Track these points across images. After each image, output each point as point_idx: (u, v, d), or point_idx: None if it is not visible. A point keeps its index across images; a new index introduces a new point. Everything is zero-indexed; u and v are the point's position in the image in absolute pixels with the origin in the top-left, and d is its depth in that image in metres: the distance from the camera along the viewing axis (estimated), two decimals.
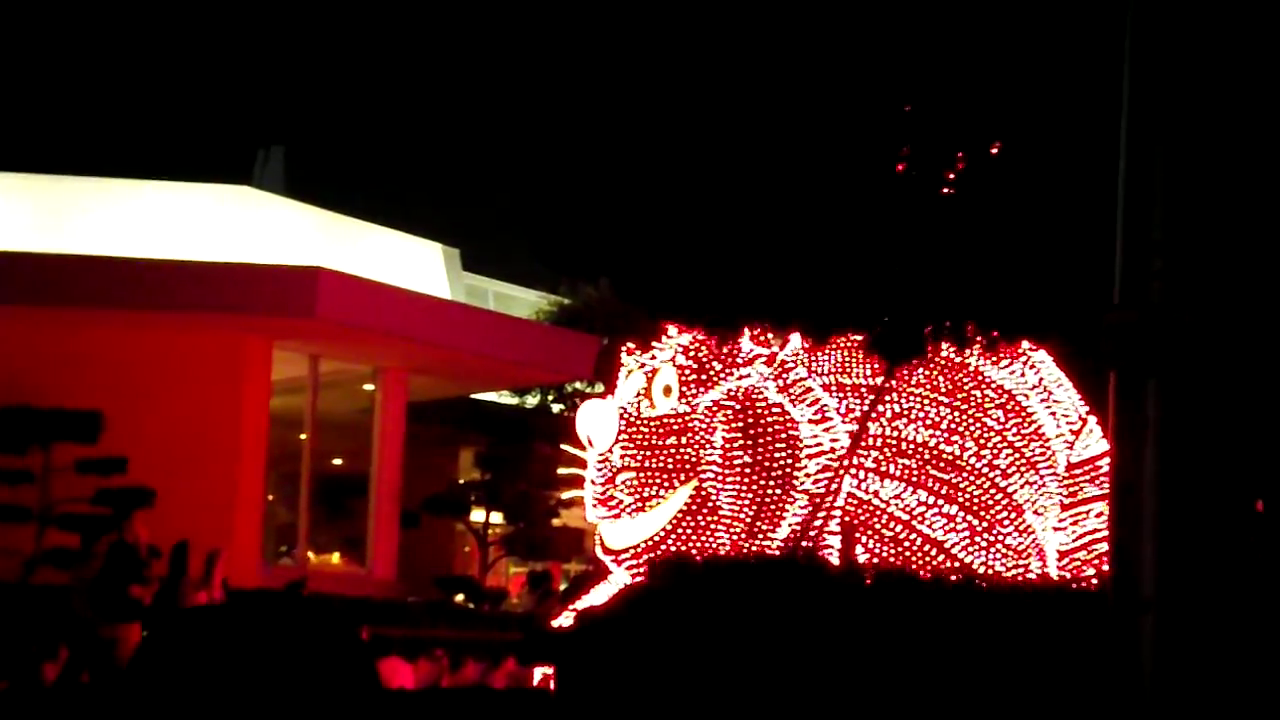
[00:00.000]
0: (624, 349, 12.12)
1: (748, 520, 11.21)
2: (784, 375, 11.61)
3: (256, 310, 25.16)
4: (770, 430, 11.31)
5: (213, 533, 21.14)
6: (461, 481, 32.75)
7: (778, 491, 11.21)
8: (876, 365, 11.85)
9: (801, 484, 11.35)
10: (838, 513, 11.37)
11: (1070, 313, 9.86)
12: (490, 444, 31.16)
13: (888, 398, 11.90)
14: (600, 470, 11.39)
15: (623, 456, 11.36)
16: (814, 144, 10.19)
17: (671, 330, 11.86)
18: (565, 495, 11.75)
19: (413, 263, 29.09)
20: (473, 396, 33.95)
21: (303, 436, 28.06)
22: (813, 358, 12.07)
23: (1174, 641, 5.64)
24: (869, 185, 10.21)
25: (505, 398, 35.51)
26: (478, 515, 31.01)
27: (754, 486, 11.24)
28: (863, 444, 11.71)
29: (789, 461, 11.30)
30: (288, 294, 25.17)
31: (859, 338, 11.53)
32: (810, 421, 11.53)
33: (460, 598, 28.77)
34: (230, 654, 9.29)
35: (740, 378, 11.56)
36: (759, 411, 11.37)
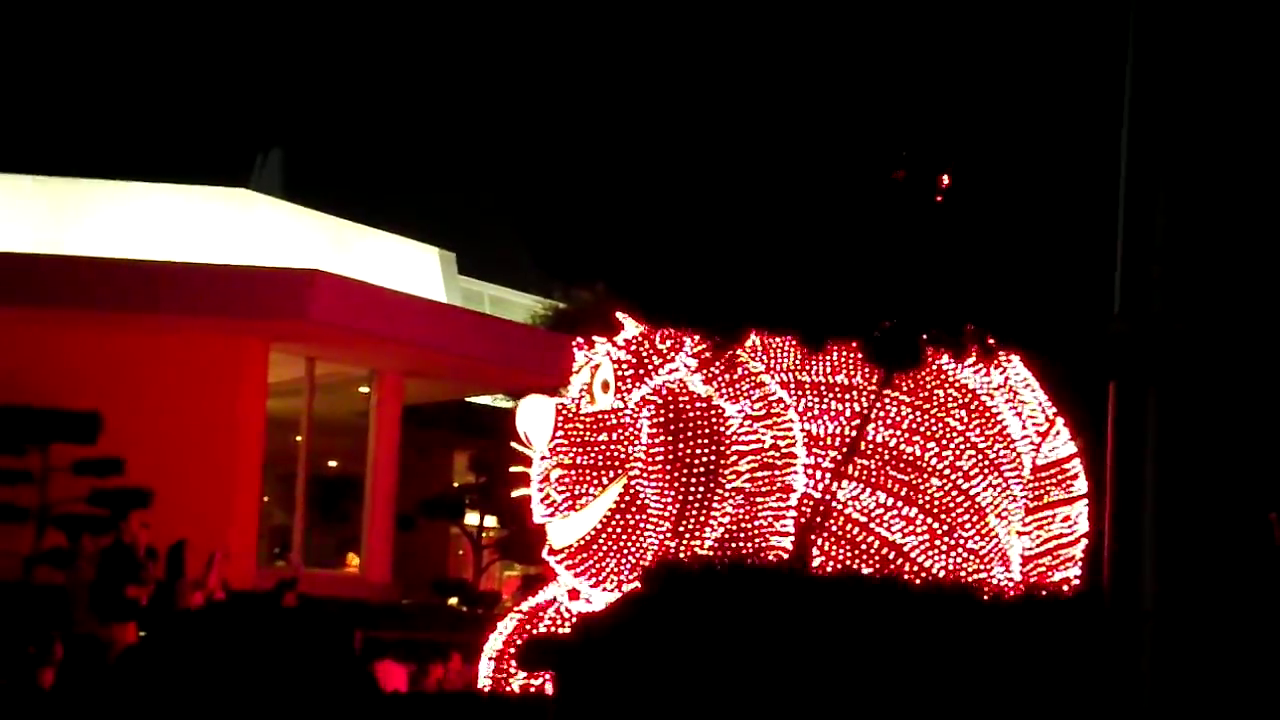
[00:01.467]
0: (574, 344, 11.69)
1: (672, 520, 10.68)
2: (716, 368, 11.06)
3: (253, 313, 25.22)
4: (692, 426, 10.74)
5: (209, 534, 21.20)
6: (456, 485, 32.79)
7: (701, 490, 10.65)
8: (838, 360, 11.45)
9: (731, 482, 10.75)
10: (793, 514, 10.93)
11: (1064, 322, 9.90)
12: (485, 447, 31.22)
13: (847, 396, 11.44)
14: (541, 469, 11.02)
15: (555, 453, 10.92)
16: (812, 150, 10.24)
17: (628, 324, 11.49)
18: (515, 494, 11.11)
19: (409, 266, 29.16)
20: (468, 400, 34.01)
21: (299, 439, 28.11)
22: (769, 354, 11.57)
23: (1173, 650, 5.69)
24: (866, 192, 10.26)
25: (500, 401, 35.59)
26: (472, 518, 31.06)
27: (676, 484, 10.66)
28: (822, 444, 11.24)
29: (712, 458, 10.73)
30: (284, 296, 25.23)
31: (853, 344, 11.47)
32: (750, 417, 10.93)
33: (454, 601, 28.81)
34: (215, 657, 9.43)
35: (669, 372, 11.06)
36: (681, 406, 10.80)
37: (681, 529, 10.61)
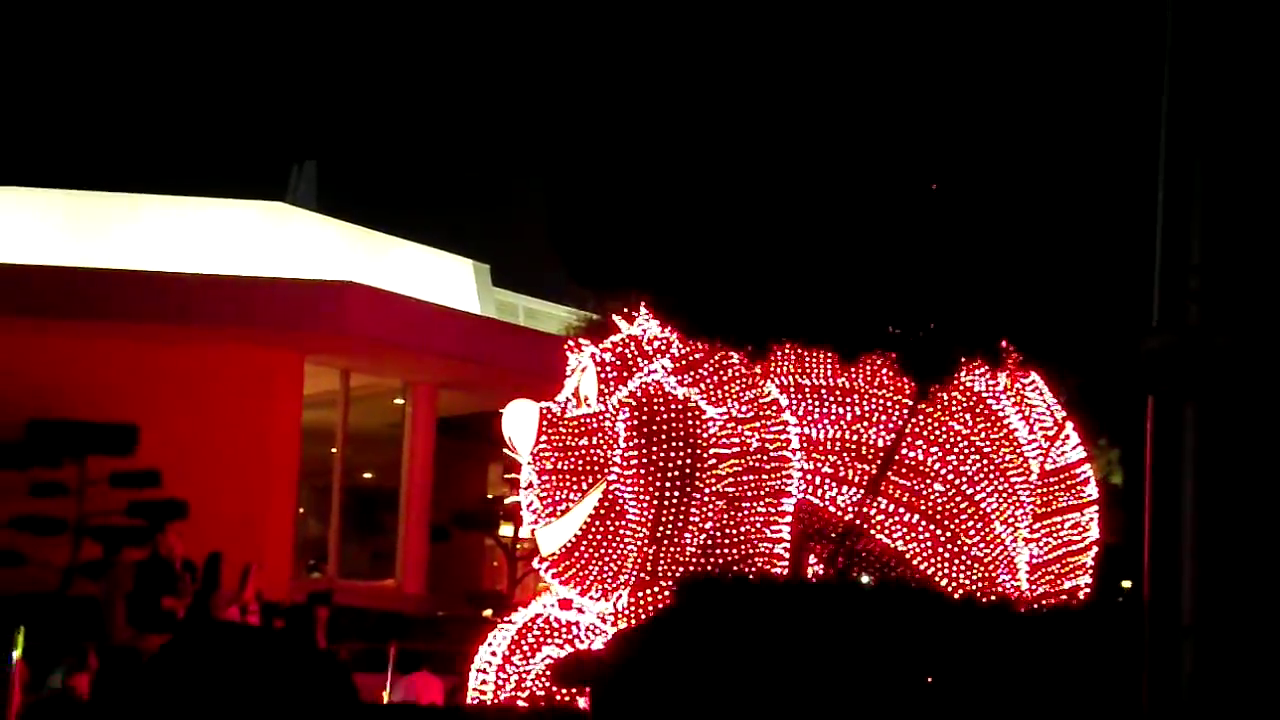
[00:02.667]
0: (566, 346, 11.46)
1: (650, 524, 10.38)
2: (704, 370, 10.78)
3: (288, 325, 25.30)
4: (666, 428, 10.41)
5: (244, 546, 21.24)
6: (490, 496, 32.79)
7: (676, 494, 10.32)
8: (836, 365, 11.26)
9: (710, 486, 10.43)
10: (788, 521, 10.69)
11: (1096, 337, 9.82)
12: None
13: (848, 400, 11.29)
14: (526, 475, 10.77)
15: (537, 459, 10.66)
16: (846, 165, 10.23)
17: (621, 325, 11.21)
18: (507, 501, 10.75)
19: (443, 278, 29.20)
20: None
21: (334, 450, 28.16)
22: (769, 357, 11.33)
23: (1212, 665, 5.65)
24: (897, 207, 10.25)
25: None
26: (506, 530, 31.05)
27: (651, 489, 10.35)
28: (821, 449, 11.12)
29: (688, 462, 10.39)
30: (320, 309, 25.31)
31: (888, 357, 11.40)
32: (735, 419, 10.62)
33: (489, 612, 28.79)
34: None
35: (648, 373, 10.75)
36: (655, 408, 10.47)
37: (659, 535, 10.34)
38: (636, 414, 10.47)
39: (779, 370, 11.28)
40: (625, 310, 11.26)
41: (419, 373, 27.60)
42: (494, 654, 10.74)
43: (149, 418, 23.17)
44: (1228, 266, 5.94)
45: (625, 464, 10.45)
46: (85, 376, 24.20)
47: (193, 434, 24.44)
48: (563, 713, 10.22)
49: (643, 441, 10.40)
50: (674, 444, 10.40)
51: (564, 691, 9.95)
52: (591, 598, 10.57)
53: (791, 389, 11.26)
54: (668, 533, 10.37)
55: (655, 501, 10.36)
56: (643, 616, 10.13)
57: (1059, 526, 11.78)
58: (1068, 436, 11.95)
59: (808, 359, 11.36)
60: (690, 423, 10.50)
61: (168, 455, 22.85)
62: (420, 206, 33.55)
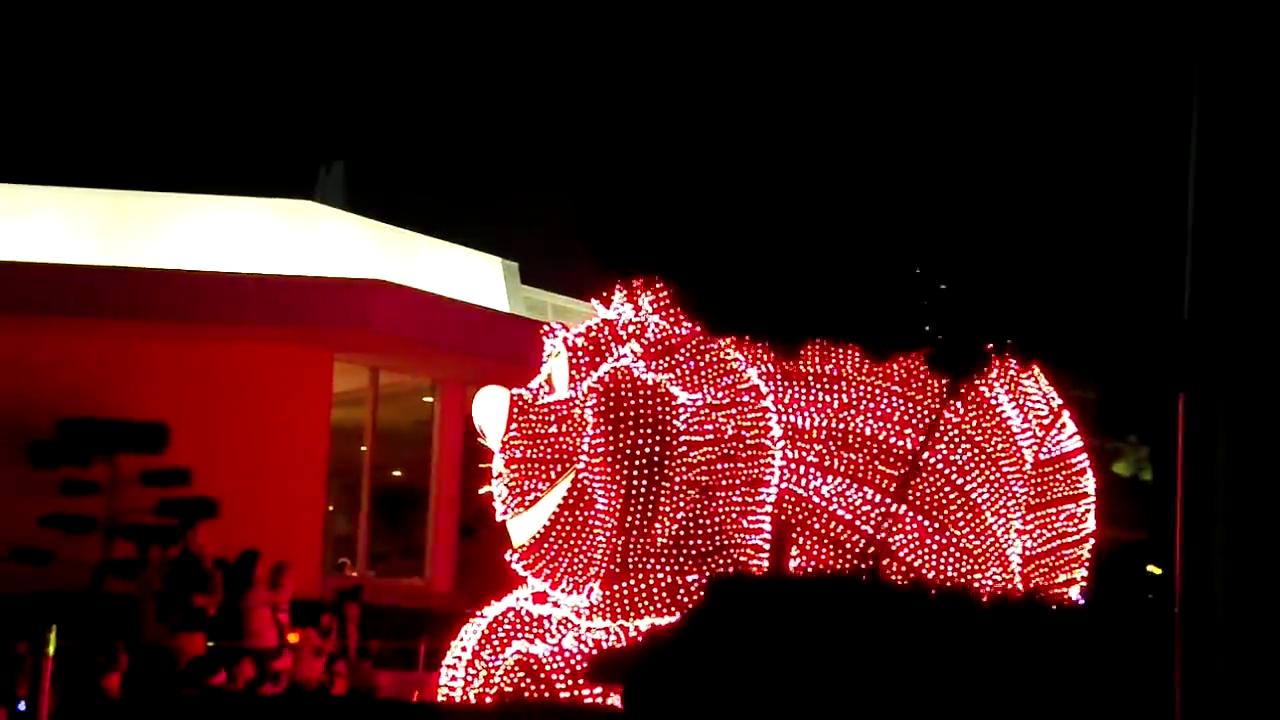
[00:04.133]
0: (542, 332, 11.05)
1: (618, 515, 9.96)
2: (679, 356, 10.39)
3: (318, 323, 25.35)
4: (634, 415, 9.98)
5: (274, 543, 21.28)
6: None
7: (644, 483, 9.88)
8: (821, 354, 10.94)
9: (681, 474, 10.01)
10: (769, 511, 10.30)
11: (1126, 333, 9.76)
12: None
13: (834, 387, 10.95)
14: (496, 463, 10.41)
15: (508, 447, 10.29)
16: (871, 162, 10.21)
17: (599, 309, 10.84)
18: (481, 491, 10.07)
19: (472, 276, 29.23)
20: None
21: (363, 448, 28.22)
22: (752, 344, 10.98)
23: (1245, 664, 5.61)
24: (924, 204, 10.22)
25: None
26: None
27: (619, 477, 9.91)
28: (807, 437, 10.77)
29: (658, 449, 9.95)
30: (348, 307, 25.36)
31: (918, 354, 11.33)
32: (709, 406, 10.19)
33: None
34: None
35: (617, 358, 10.33)
36: (623, 394, 10.04)
37: (627, 525, 9.94)
38: (604, 400, 10.10)
39: (763, 357, 10.94)
40: (601, 294, 10.97)
41: (448, 370, 27.63)
42: (464, 649, 10.41)
43: (179, 416, 23.28)
44: (1262, 262, 5.88)
45: (593, 452, 10.07)
46: (116, 375, 24.30)
47: (222, 432, 24.52)
48: (601, 711, 10.01)
49: (610, 428, 10.03)
50: (642, 431, 10.01)
51: (532, 689, 9.53)
52: (563, 590, 10.24)
53: (778, 376, 10.92)
54: (637, 523, 9.97)
55: (623, 491, 9.96)
56: (621, 610, 9.88)
57: (1054, 518, 11.45)
58: (1064, 425, 11.63)
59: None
60: (660, 409, 10.09)
61: (198, 453, 22.96)
62: (448, 204, 33.58)
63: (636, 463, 9.96)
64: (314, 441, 26.09)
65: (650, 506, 9.97)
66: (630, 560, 10.00)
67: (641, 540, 9.98)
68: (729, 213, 10.74)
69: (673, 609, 9.88)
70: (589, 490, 10.11)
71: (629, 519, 9.97)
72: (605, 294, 10.90)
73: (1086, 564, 11.62)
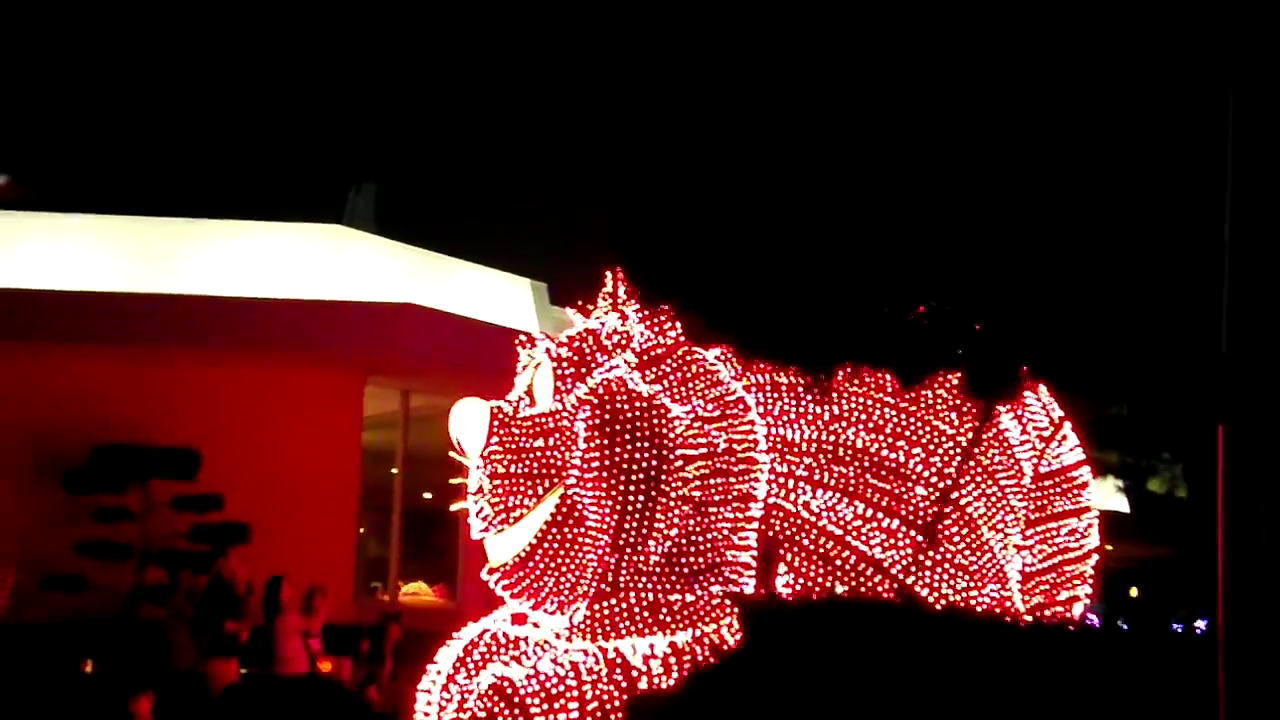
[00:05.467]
0: (517, 341, 10.61)
1: (612, 531, 9.46)
2: (676, 364, 10.00)
3: (348, 347, 25.41)
4: (629, 427, 9.53)
5: (306, 568, 21.33)
6: None
7: (641, 499, 9.43)
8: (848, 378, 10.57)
9: (677, 490, 9.59)
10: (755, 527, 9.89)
11: (1163, 357, 9.71)
12: None
13: (826, 398, 10.56)
14: (475, 478, 9.87)
15: (488, 462, 9.73)
16: (907, 190, 10.20)
17: (576, 319, 10.44)
18: (454, 508, 9.44)
19: (502, 298, 29.26)
20: None
21: (394, 471, 28.24)
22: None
23: None
24: (962, 230, 10.20)
25: None
26: None
27: (613, 493, 9.46)
28: (796, 450, 10.37)
29: (653, 463, 9.52)
30: (379, 331, 25.41)
31: (954, 378, 11.24)
32: (701, 418, 9.80)
33: None
34: None
35: (609, 369, 9.87)
36: (618, 406, 9.60)
37: (621, 542, 9.50)
38: (598, 412, 9.62)
39: (755, 366, 10.61)
40: (584, 305, 10.68)
41: (479, 393, 27.56)
42: (439, 672, 10.04)
43: (211, 441, 23.33)
44: None
45: (585, 466, 9.57)
46: (148, 401, 24.38)
47: (254, 457, 24.58)
48: None
49: (605, 442, 9.54)
50: (638, 444, 9.55)
51: (507, 714, 9.01)
52: (546, 611, 9.76)
53: (767, 386, 10.60)
54: (631, 540, 9.50)
55: (619, 506, 9.49)
56: (602, 631, 9.48)
57: (1054, 533, 11.07)
58: (1065, 437, 11.28)
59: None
60: (655, 422, 9.64)
61: (230, 478, 23.01)
62: (478, 226, 33.62)
63: (633, 477, 9.51)
64: (345, 465, 26.13)
65: (645, 523, 9.53)
66: (622, 578, 9.59)
67: (635, 558, 9.56)
68: (761, 234, 10.71)
69: (656, 629, 9.44)
70: (579, 506, 9.62)
71: (623, 536, 9.52)
72: (586, 302, 10.53)
73: (1090, 581, 11.35)
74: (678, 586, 9.59)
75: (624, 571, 9.54)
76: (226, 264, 26.24)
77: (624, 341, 10.05)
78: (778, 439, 10.41)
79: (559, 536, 9.56)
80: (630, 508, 9.46)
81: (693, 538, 9.66)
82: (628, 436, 9.52)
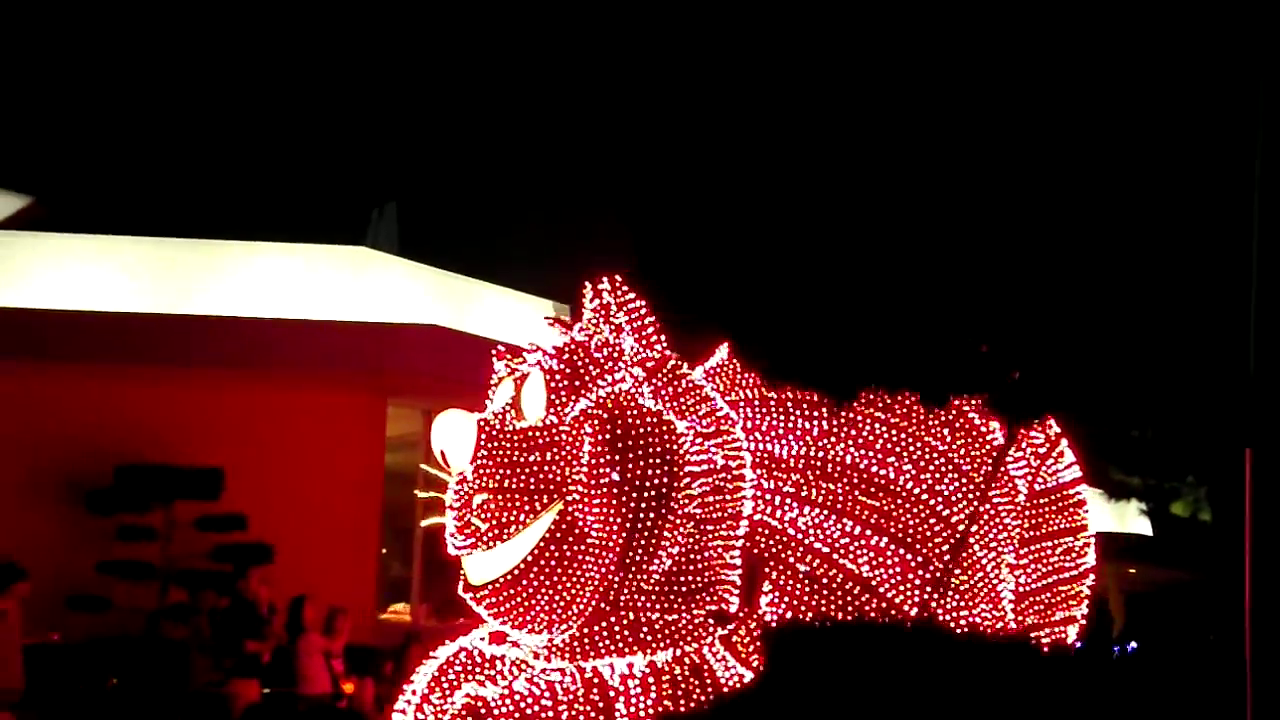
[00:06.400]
0: (494, 352, 10.24)
1: (618, 549, 9.15)
2: (667, 379, 9.74)
3: (371, 368, 25.46)
4: (643, 444, 9.25)
5: (328, 588, 21.37)
6: None
7: (652, 515, 9.16)
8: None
9: (684, 507, 9.33)
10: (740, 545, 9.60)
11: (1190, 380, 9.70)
12: None
13: (815, 414, 10.32)
14: (459, 493, 9.44)
15: (480, 476, 9.24)
16: (932, 215, 10.22)
17: (556, 329, 10.12)
18: (424, 523, 9.06)
19: (524, 319, 29.30)
20: None
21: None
22: (735, 367, 10.38)
23: None
24: (988, 252, 10.22)
25: None
26: None
27: (624, 510, 9.16)
28: (784, 467, 10.08)
29: (665, 480, 9.26)
30: (401, 352, 25.46)
31: (977, 398, 11.21)
32: (700, 435, 9.53)
33: None
34: None
35: (614, 382, 9.53)
36: (630, 422, 9.29)
37: (628, 560, 9.20)
38: (610, 428, 9.28)
39: (742, 382, 10.38)
40: (563, 318, 10.46)
41: None
42: (414, 692, 9.64)
43: (234, 462, 23.39)
44: None
45: (594, 482, 9.19)
46: (171, 421, 24.47)
47: (277, 477, 24.64)
48: None
49: (616, 458, 9.21)
50: (651, 460, 9.23)
51: None
52: (533, 630, 9.31)
53: (756, 401, 10.35)
54: (638, 559, 9.20)
55: (628, 524, 9.17)
56: (582, 650, 9.19)
57: (1049, 552, 10.81)
58: (1061, 454, 11.07)
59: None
60: (666, 438, 9.34)
61: (253, 499, 23.06)
62: (501, 248, 33.70)
63: (645, 494, 9.20)
64: (368, 486, 26.17)
65: (654, 541, 9.23)
66: (624, 597, 9.30)
67: (638, 576, 9.27)
68: (789, 257, 10.71)
69: (637, 648, 9.18)
70: (580, 522, 9.15)
71: (631, 554, 9.22)
72: (571, 314, 10.28)
73: (1086, 602, 10.95)
74: (675, 606, 9.35)
75: (626, 589, 9.28)
76: (250, 285, 26.34)
77: (615, 354, 9.75)
78: (765, 454, 10.16)
79: (557, 554, 9.11)
80: (640, 525, 9.20)
81: (691, 556, 9.39)
82: (642, 453, 9.25)
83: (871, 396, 10.67)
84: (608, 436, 9.25)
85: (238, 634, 19.51)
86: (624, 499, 9.18)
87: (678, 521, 9.31)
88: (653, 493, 9.20)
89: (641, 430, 9.29)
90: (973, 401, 10.99)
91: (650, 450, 9.25)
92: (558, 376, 9.50)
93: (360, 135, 35.85)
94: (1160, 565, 41.39)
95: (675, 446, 9.35)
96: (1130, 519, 41.89)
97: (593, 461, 9.20)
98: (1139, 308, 9.63)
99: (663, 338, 9.97)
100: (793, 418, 10.33)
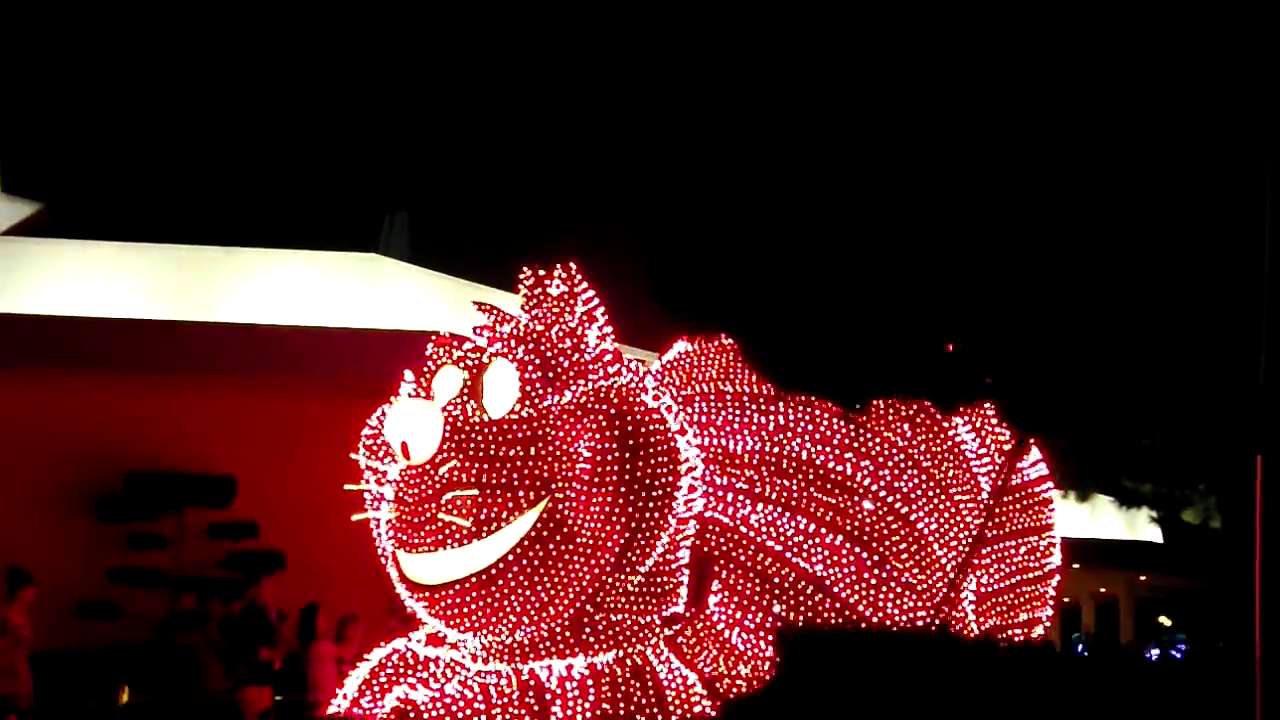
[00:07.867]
0: (432, 340, 9.90)
1: (616, 549, 8.85)
2: (664, 375, 9.70)
3: (383, 376, 25.39)
4: (651, 443, 8.93)
5: (340, 596, 21.34)
6: None
7: (655, 515, 8.88)
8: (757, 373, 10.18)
9: (678, 506, 9.13)
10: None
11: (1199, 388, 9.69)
12: None
13: (770, 409, 10.08)
14: (415, 487, 9.25)
15: (454, 470, 8.94)
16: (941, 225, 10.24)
17: (502, 315, 9.92)
18: (355, 518, 8.76)
19: None
20: None
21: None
22: (691, 362, 10.21)
23: None
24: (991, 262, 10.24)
25: None
26: None
27: (628, 509, 8.82)
28: (738, 463, 9.87)
29: (670, 480, 8.97)
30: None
31: (986, 405, 11.25)
32: (681, 432, 9.31)
33: None
34: None
35: (605, 376, 9.26)
36: (636, 419, 8.98)
37: (624, 560, 8.91)
38: (614, 424, 8.97)
39: (701, 376, 10.20)
40: (493, 308, 10.19)
41: None
42: (345, 695, 9.53)
43: (246, 469, 23.40)
44: None
45: (598, 479, 8.89)
46: (183, 429, 24.47)
47: (288, 485, 24.62)
48: None
49: (625, 455, 8.90)
50: (660, 460, 8.98)
51: None
52: (493, 632, 8.98)
53: (711, 396, 10.14)
54: (632, 559, 8.95)
55: (632, 524, 8.88)
56: (520, 653, 8.96)
57: (1013, 552, 10.62)
58: (1027, 451, 10.85)
59: (732, 363, 10.17)
60: (669, 436, 9.11)
61: (264, 506, 23.06)
62: (512, 255, 33.72)
63: (652, 494, 8.92)
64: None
65: (652, 540, 9.00)
66: (610, 598, 9.04)
67: (630, 577, 9.03)
68: (798, 267, 10.73)
69: (578, 650, 9.00)
70: (570, 521, 8.81)
71: (629, 553, 8.94)
72: (528, 302, 10.08)
73: (1051, 602, 10.80)
74: (651, 607, 9.16)
75: (612, 590, 9.01)
76: (262, 292, 26.35)
77: (581, 345, 9.44)
78: (719, 450, 9.93)
79: (541, 552, 8.77)
80: (643, 524, 8.92)
81: (667, 555, 9.20)
82: (650, 452, 8.98)
83: (897, 408, 10.55)
84: (613, 434, 8.95)
85: (250, 641, 19.50)
86: (628, 498, 8.88)
87: (669, 522, 9.10)
88: (660, 492, 8.96)
89: (647, 429, 9.03)
90: (982, 408, 11.04)
91: (656, 449, 9.00)
92: (529, 367, 9.27)
93: (373, 144, 35.90)
94: (1171, 573, 41.33)
95: (676, 445, 9.15)
96: (1141, 527, 41.80)
97: (593, 459, 8.90)
98: (1149, 316, 9.63)
99: (612, 328, 9.67)
100: (748, 412, 10.05)
